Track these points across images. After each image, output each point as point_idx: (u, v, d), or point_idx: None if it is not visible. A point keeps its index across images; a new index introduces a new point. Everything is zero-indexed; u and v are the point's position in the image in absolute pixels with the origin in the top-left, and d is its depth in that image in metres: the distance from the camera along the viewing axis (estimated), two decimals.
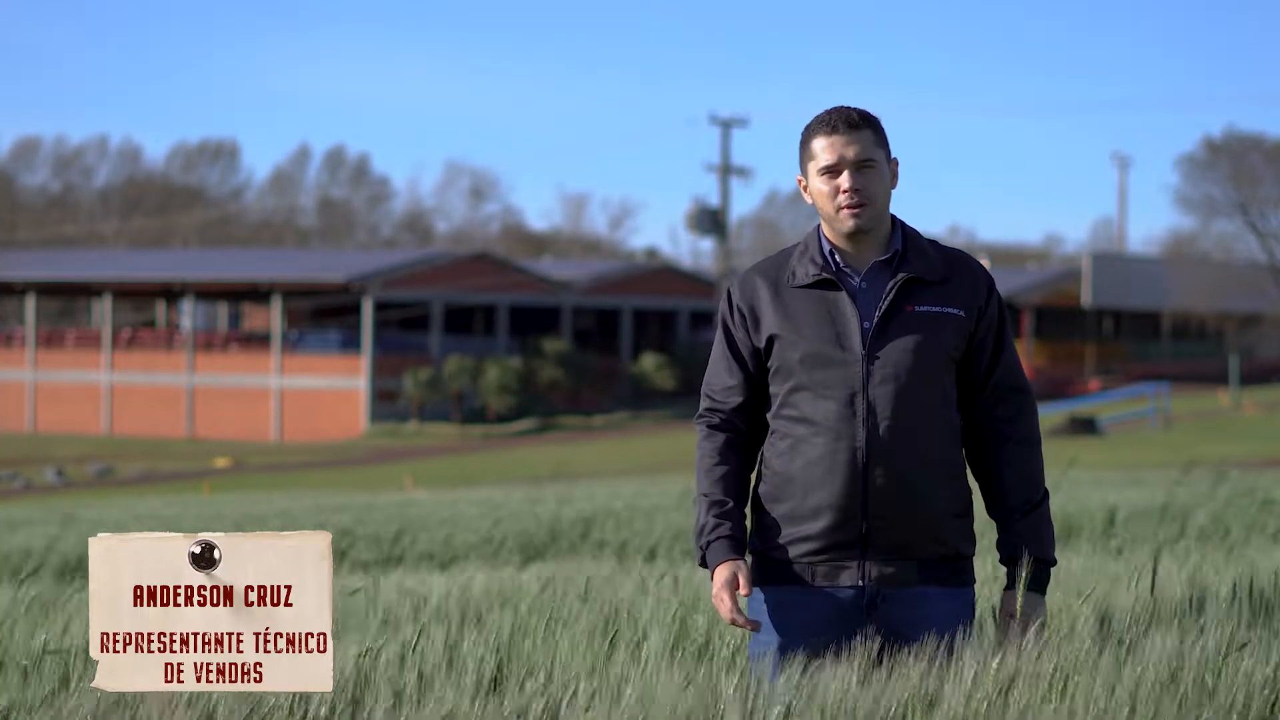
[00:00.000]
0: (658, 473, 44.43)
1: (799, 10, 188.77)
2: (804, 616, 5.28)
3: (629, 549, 16.40)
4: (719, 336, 5.47)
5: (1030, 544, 5.33)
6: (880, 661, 5.04)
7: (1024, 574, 5.32)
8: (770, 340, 5.35)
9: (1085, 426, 57.02)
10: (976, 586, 5.49)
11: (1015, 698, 4.79)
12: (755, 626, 5.27)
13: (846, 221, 5.33)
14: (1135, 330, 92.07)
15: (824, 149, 5.34)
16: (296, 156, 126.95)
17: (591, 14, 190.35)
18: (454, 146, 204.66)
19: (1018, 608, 5.29)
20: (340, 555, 17.08)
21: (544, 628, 6.48)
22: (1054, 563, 5.38)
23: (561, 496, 25.85)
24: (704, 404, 5.51)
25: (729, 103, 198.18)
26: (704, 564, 5.36)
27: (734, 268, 78.35)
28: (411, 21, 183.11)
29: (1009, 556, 5.36)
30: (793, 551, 5.31)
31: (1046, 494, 5.42)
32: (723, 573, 5.28)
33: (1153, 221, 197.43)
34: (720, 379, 5.44)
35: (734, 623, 5.25)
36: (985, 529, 5.49)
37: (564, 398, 74.66)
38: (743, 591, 5.27)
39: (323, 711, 5.28)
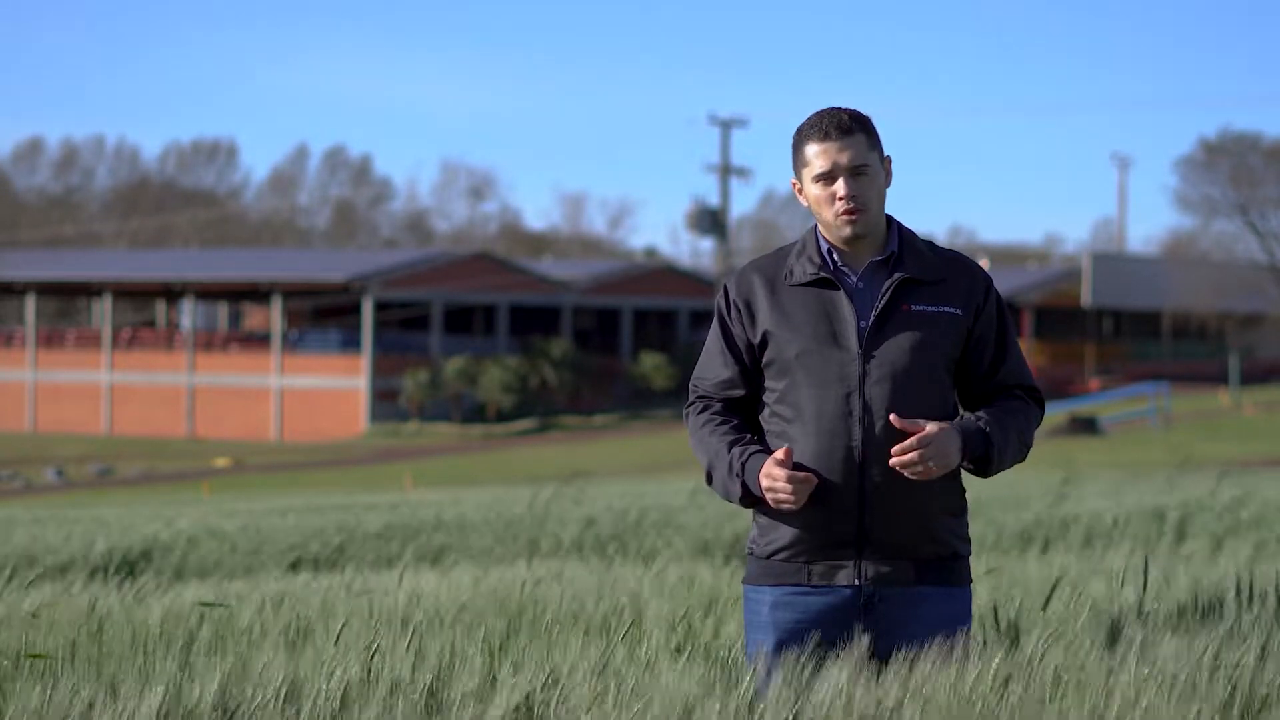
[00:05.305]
0: (660, 472, 44.39)
1: (799, 10, 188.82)
2: (801, 616, 5.26)
3: None
4: (714, 330, 5.42)
5: (987, 424, 5.24)
6: (877, 661, 5.03)
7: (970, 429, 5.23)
8: (765, 336, 5.32)
9: (1085, 426, 57.06)
10: (973, 587, 5.46)
11: (1012, 697, 4.79)
12: (809, 479, 5.17)
13: (843, 229, 5.32)
14: (1135, 330, 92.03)
15: (817, 155, 5.32)
16: (295, 156, 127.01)
17: (591, 14, 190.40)
18: (453, 146, 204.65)
19: (935, 431, 5.15)
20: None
21: None
22: (993, 448, 5.21)
23: None
24: (693, 395, 5.46)
25: (729, 103, 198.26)
26: (746, 492, 5.26)
27: (734, 267, 78.07)
28: (410, 21, 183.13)
29: (964, 424, 5.24)
30: (789, 551, 5.29)
31: (1026, 445, 5.31)
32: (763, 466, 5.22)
33: (1153, 221, 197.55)
34: (713, 372, 5.41)
35: (794, 485, 5.17)
36: (981, 531, 5.47)
37: (564, 398, 74.61)
38: (781, 455, 5.19)
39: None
